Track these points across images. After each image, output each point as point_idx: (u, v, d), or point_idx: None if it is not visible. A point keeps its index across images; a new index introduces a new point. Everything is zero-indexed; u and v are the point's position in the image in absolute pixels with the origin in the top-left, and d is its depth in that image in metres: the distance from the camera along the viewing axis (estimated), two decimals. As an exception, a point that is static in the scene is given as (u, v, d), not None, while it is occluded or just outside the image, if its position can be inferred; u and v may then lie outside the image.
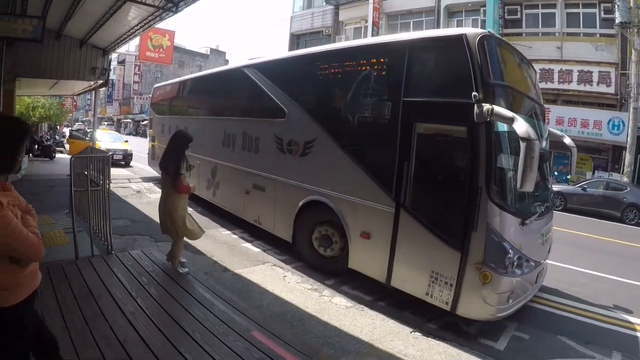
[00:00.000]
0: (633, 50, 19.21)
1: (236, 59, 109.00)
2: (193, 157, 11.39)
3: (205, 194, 11.29)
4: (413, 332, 5.29)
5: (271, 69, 8.75)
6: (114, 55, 25.54)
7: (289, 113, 7.75)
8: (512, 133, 4.97)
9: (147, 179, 16.95)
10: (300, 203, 7.37)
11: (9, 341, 2.53)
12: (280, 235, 8.10)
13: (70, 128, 36.75)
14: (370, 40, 8.17)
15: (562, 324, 5.98)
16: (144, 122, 55.65)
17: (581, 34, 22.03)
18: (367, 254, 6.32)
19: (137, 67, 65.94)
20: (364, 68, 6.48)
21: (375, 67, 6.35)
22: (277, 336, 4.56)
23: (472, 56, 5.05)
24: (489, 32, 5.37)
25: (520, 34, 23.53)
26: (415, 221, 5.57)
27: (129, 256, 6.76)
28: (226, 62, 70.46)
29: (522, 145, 4.56)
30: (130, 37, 15.92)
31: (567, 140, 7.10)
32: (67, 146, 23.25)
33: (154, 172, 16.39)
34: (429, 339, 5.18)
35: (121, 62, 67.72)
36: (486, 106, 4.81)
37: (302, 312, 5.50)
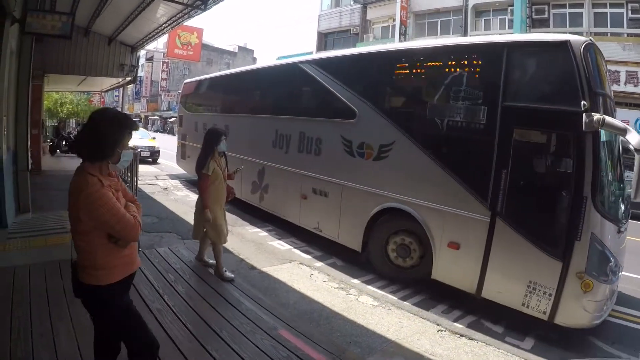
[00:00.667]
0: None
1: (264, 57, 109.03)
2: (235, 158, 11.18)
3: (250, 197, 10.88)
4: (440, 332, 5.33)
5: (338, 66, 8.32)
6: (142, 52, 25.41)
7: (360, 114, 7.39)
8: (611, 142, 5.26)
9: (174, 177, 16.91)
10: (375, 210, 7.12)
11: (115, 320, 2.79)
12: (346, 243, 7.81)
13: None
14: (463, 40, 7.83)
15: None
16: (172, 120, 56.12)
17: (608, 34, 21.82)
18: (454, 265, 6.15)
19: (164, 64, 66.40)
20: (455, 69, 6.17)
21: (469, 68, 6.07)
22: (304, 334, 4.59)
23: (578, 64, 5.02)
24: (590, 40, 5.34)
25: (547, 32, 23.16)
26: (513, 231, 5.48)
27: (156, 253, 6.76)
28: (254, 60, 70.68)
29: (637, 157, 4.70)
30: (159, 34, 15.77)
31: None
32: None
33: (182, 170, 16.49)
34: (456, 338, 5.22)
35: (149, 59, 68.11)
36: (597, 116, 4.81)
37: (329, 311, 5.52)
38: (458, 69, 6.13)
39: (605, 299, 5.29)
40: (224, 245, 6.21)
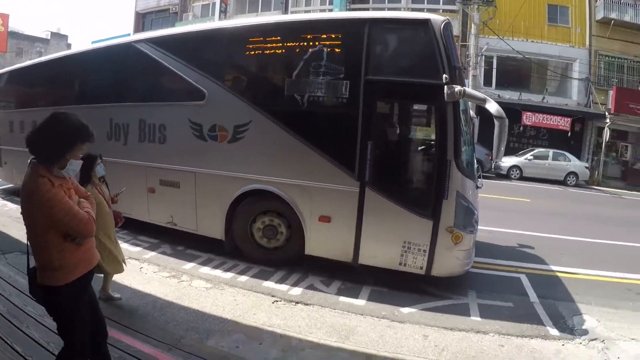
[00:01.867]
0: (472, 25, 21.31)
1: (79, 43, 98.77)
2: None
3: None
4: (275, 302, 5.46)
5: (181, 44, 7.57)
6: None
7: (209, 94, 6.76)
8: (465, 110, 5.91)
9: None
10: (236, 194, 6.73)
11: (66, 319, 2.82)
12: (207, 233, 7.31)
13: None
14: (324, 15, 7.64)
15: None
16: None
17: (425, 10, 23.56)
18: (328, 238, 6.19)
19: None
20: (315, 44, 6.03)
21: (330, 43, 5.98)
22: (137, 331, 4.48)
23: (438, 41, 5.37)
24: (447, 19, 5.70)
25: (367, 9, 24.43)
26: (383, 198, 5.70)
27: None
28: (69, 46, 62.65)
29: (496, 123, 5.29)
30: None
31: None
32: None
33: None
34: (291, 305, 5.41)
35: None
36: (458, 87, 5.22)
37: (162, 302, 5.34)
38: (318, 44, 6.01)
39: (472, 247, 5.90)
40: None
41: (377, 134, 5.81)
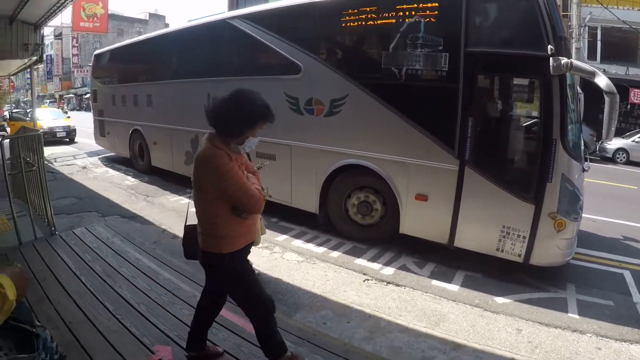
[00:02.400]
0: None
1: (176, 23, 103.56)
2: (163, 128, 10.34)
3: (185, 170, 10.06)
4: (366, 281, 5.40)
5: (276, 20, 7.62)
6: (49, 30, 23.31)
7: (305, 68, 6.83)
8: (573, 85, 5.42)
9: (92, 154, 16.06)
10: (331, 169, 6.75)
11: (235, 286, 2.98)
12: (301, 206, 7.43)
13: (9, 110, 34.14)
14: None
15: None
16: (87, 96, 52.41)
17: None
18: (424, 217, 6.05)
19: (74, 40, 61.82)
20: (411, 16, 5.81)
21: (427, 14, 5.73)
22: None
23: (542, 9, 4.98)
24: None
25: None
26: (483, 178, 5.46)
27: (73, 235, 6.40)
28: (166, 26, 66.21)
29: (607, 99, 4.82)
30: (61, 8, 14.17)
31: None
32: (8, 129, 21.42)
33: (100, 148, 15.69)
34: (382, 285, 5.33)
35: (58, 36, 63.33)
36: (564, 60, 4.86)
37: None
38: (415, 15, 5.78)
39: (575, 236, 5.47)
40: (145, 217, 5.94)
41: (478, 109, 5.54)
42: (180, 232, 6.38)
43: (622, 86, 20.16)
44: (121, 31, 63.94)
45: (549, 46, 4.87)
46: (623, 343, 4.52)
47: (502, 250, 5.48)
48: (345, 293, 5.01)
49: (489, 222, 5.51)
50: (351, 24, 6.52)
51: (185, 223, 3.26)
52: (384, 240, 6.55)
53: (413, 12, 5.78)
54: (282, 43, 7.13)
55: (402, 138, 5.97)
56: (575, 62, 4.91)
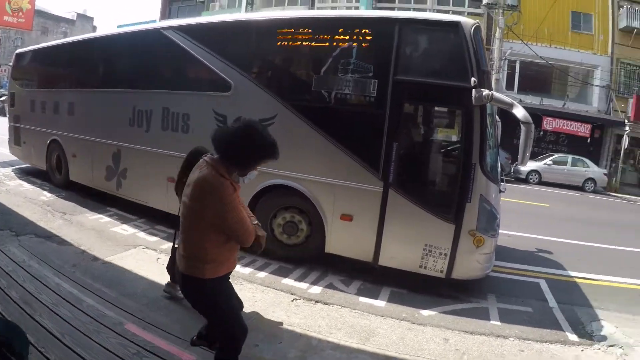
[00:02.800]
0: (497, 29, 21.20)
1: (105, 27, 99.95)
2: (83, 140, 9.78)
3: (105, 185, 9.39)
4: (295, 301, 5.44)
5: (211, 34, 7.52)
6: None
7: (235, 86, 6.74)
8: (492, 114, 6.01)
9: (5, 164, 14.50)
10: (257, 189, 6.68)
11: (214, 311, 3.03)
12: None
13: None
14: (355, 13, 7.62)
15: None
16: (3, 98, 48.61)
17: (450, 12, 23.56)
18: (349, 237, 6.19)
19: None
20: (345, 41, 6.02)
21: (360, 41, 5.97)
22: (153, 325, 4.42)
23: (468, 44, 5.39)
24: (478, 22, 5.76)
25: (393, 8, 24.36)
26: (406, 200, 5.72)
27: None
28: (94, 28, 63.16)
29: (523, 128, 5.26)
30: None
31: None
32: None
33: (14, 158, 14.31)
34: (311, 304, 5.38)
35: None
36: (486, 91, 5.28)
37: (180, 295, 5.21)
38: (348, 42, 6.00)
39: (493, 251, 5.91)
40: (62, 236, 5.68)
41: (403, 135, 5.84)
42: (100, 254, 6.34)
43: (537, 115, 21.75)
44: (46, 30, 60.22)
45: (473, 79, 5.26)
46: (544, 344, 4.95)
47: (425, 267, 5.76)
48: (274, 313, 5.01)
49: (412, 241, 5.75)
50: (285, 44, 6.61)
51: (174, 245, 3.30)
52: (310, 259, 6.59)
53: (347, 38, 5.98)
54: (214, 59, 7.03)
55: (329, 160, 6.09)
56: (496, 94, 5.35)
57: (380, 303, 5.61)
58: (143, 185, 8.42)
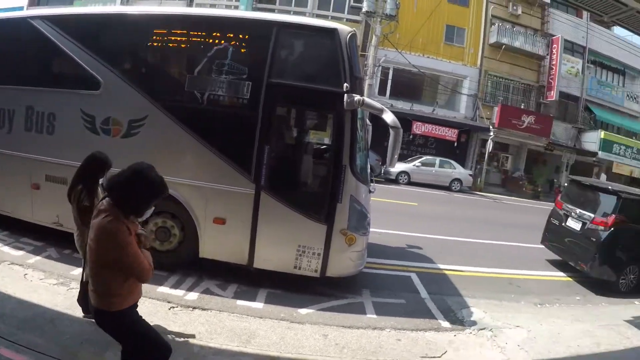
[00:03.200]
0: (374, 37, 21.95)
1: None
2: None
3: None
4: (172, 309, 5.34)
5: (82, 26, 6.87)
6: None
7: (105, 84, 6.24)
8: (362, 118, 6.20)
9: None
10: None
11: (123, 338, 3.13)
12: None
13: None
14: (233, 13, 7.44)
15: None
16: None
17: (330, 17, 24.00)
18: (223, 240, 6.15)
19: None
20: (221, 42, 5.92)
21: (236, 43, 5.93)
22: (27, 347, 4.07)
23: (343, 51, 5.59)
24: (354, 30, 5.96)
25: (273, 10, 24.47)
26: (278, 202, 5.81)
27: None
28: None
29: (392, 132, 5.51)
30: None
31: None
32: None
33: None
34: (189, 311, 5.31)
35: None
36: (357, 97, 5.48)
37: (53, 312, 4.84)
38: (224, 42, 5.92)
39: (365, 248, 6.17)
40: None
41: (276, 137, 5.94)
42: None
43: (407, 119, 22.99)
44: None
45: (345, 84, 5.47)
46: (419, 332, 5.34)
47: (300, 268, 5.89)
48: (152, 323, 4.70)
49: (286, 243, 5.86)
50: (159, 41, 6.41)
51: (82, 280, 3.31)
52: (184, 265, 6.41)
53: (222, 40, 5.91)
54: (83, 53, 6.46)
55: (201, 162, 6.01)
56: (367, 100, 5.60)
57: (258, 305, 5.66)
58: (5, 194, 7.47)
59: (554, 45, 27.90)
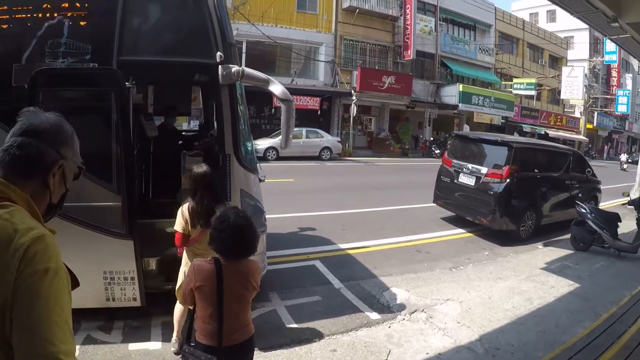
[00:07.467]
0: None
1: None
2: None
3: None
4: None
5: None
6: None
7: None
8: (241, 94, 4.96)
9: None
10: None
11: None
12: None
13: None
14: None
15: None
16: None
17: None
18: None
19: None
20: (51, 16, 4.40)
21: (71, 14, 4.42)
22: None
23: (212, 13, 4.47)
24: None
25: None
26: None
27: None
28: None
29: (283, 106, 4.61)
30: None
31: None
32: None
33: None
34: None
35: None
36: (235, 67, 4.45)
37: None
38: (57, 15, 4.42)
39: (265, 247, 5.29)
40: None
41: (124, 133, 4.41)
42: None
43: (267, 93, 22.34)
44: None
45: (219, 53, 4.35)
46: (350, 333, 4.63)
47: (120, 299, 4.47)
48: None
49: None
50: None
51: None
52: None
53: (55, 12, 4.41)
54: None
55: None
56: (248, 70, 4.54)
57: (155, 345, 4.34)
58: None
59: (407, 6, 29.15)
